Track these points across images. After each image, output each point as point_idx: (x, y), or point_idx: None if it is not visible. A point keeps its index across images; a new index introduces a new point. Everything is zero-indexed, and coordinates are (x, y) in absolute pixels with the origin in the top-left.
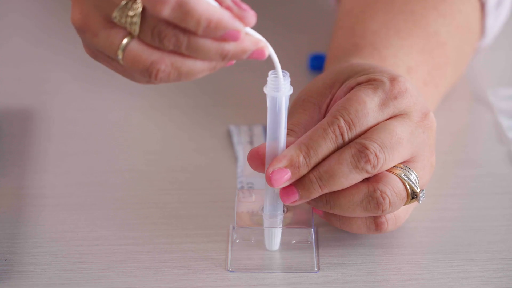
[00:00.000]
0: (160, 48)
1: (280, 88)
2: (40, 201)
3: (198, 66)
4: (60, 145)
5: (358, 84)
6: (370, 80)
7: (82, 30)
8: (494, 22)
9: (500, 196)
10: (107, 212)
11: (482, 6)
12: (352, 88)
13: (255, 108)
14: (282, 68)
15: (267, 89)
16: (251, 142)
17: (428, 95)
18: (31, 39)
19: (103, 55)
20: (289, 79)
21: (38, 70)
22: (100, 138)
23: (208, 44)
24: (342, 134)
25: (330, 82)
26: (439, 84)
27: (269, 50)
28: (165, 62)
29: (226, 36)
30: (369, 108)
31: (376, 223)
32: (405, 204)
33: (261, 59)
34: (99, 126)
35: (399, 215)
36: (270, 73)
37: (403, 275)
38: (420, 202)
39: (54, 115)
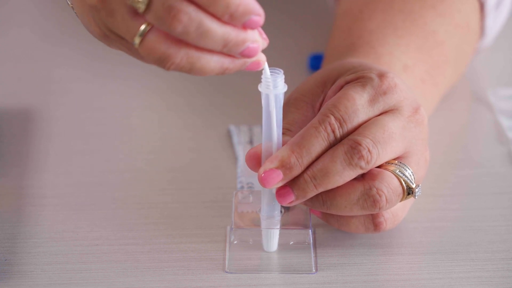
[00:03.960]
0: (174, 38)
1: (274, 86)
2: (40, 201)
3: (211, 65)
4: (60, 145)
5: (347, 82)
6: (359, 77)
7: (97, 8)
8: (494, 22)
9: (500, 196)
10: (107, 212)
11: (482, 6)
12: (341, 87)
13: (255, 108)
14: (282, 68)
15: (261, 87)
16: (251, 142)
17: (427, 93)
18: (30, 37)
19: (116, 36)
20: (283, 77)
21: (38, 69)
22: (100, 138)
23: (216, 28)
24: (333, 131)
25: (322, 81)
26: (438, 82)
27: (265, 65)
28: (181, 56)
29: (249, 23)
30: (359, 104)
31: (374, 223)
32: (401, 200)
33: (256, 67)
34: (99, 126)
35: (396, 213)
36: (264, 71)
37: (403, 275)
38: (416, 197)
39: (54, 115)
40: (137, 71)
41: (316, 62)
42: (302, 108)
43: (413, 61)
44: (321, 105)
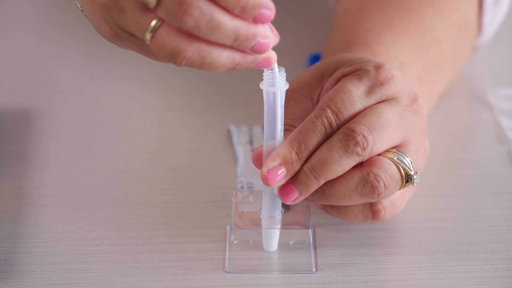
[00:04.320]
0: (185, 32)
1: (276, 83)
2: (40, 201)
3: (221, 59)
4: (60, 145)
5: (344, 75)
6: (355, 70)
7: (107, 6)
8: (492, 20)
9: (500, 196)
10: (107, 212)
11: (480, 3)
12: (339, 79)
13: (255, 108)
14: (282, 67)
15: (263, 85)
16: (251, 142)
17: (424, 91)
18: (30, 38)
19: (127, 34)
20: (284, 75)
21: (38, 70)
22: (100, 138)
23: (227, 21)
24: (330, 124)
25: (319, 74)
26: (435, 80)
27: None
28: (192, 50)
29: (259, 16)
30: (355, 96)
31: (372, 211)
32: (400, 188)
33: (267, 65)
34: (99, 126)
35: (395, 202)
36: (266, 69)
37: (403, 275)
38: (415, 184)
39: (54, 115)
40: (137, 71)
41: (316, 62)
42: (302, 102)
43: (409, 59)
44: (319, 97)
